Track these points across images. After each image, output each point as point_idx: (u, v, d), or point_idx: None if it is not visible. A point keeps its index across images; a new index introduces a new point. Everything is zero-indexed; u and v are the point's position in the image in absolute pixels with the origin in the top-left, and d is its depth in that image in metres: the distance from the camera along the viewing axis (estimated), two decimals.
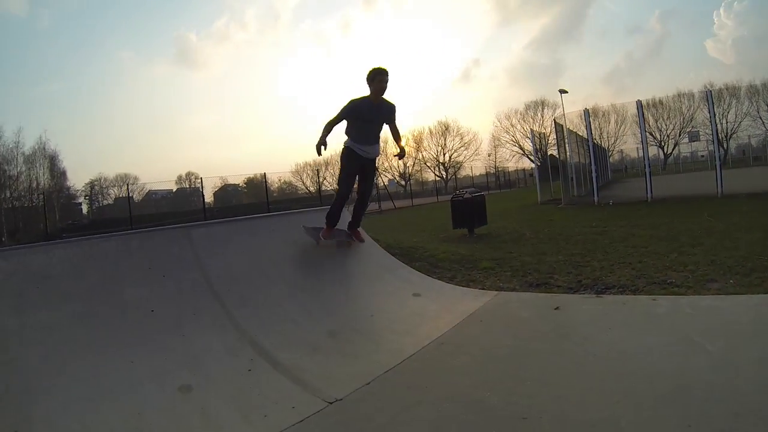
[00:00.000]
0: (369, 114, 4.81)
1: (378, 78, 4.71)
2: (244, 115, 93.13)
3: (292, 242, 4.74)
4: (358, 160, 4.97)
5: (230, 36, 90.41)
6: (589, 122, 18.84)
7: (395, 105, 5.00)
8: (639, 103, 17.40)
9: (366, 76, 4.76)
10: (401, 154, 5.31)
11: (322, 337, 3.65)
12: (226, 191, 50.06)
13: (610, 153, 44.52)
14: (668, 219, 9.89)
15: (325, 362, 3.30)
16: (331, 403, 2.77)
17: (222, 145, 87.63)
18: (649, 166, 17.81)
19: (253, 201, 41.26)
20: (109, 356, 2.82)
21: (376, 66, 4.75)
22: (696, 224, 8.69)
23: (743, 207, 10.75)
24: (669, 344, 3.23)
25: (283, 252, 4.53)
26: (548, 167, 25.98)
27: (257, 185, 39.73)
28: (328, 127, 4.75)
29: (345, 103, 4.80)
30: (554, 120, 24.84)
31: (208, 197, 42.02)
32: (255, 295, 3.84)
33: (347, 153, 4.96)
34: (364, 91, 4.82)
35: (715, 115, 18.15)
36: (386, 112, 4.96)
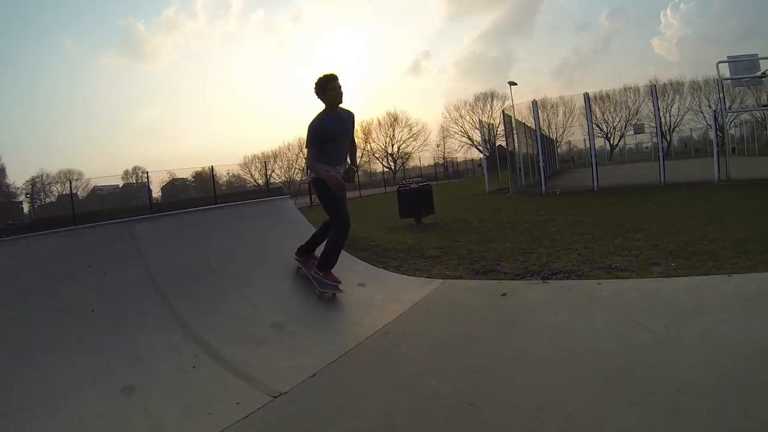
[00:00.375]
0: (335, 131, 4.24)
1: (331, 85, 4.16)
2: (193, 108, 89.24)
3: (236, 234, 4.66)
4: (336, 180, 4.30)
5: (180, 26, 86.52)
6: (537, 113, 19.48)
7: (353, 113, 4.45)
8: (586, 96, 18.35)
9: (315, 88, 4.20)
10: (350, 176, 4.50)
11: (267, 330, 3.62)
12: (174, 186, 48.60)
13: (558, 144, 46.31)
14: (613, 207, 10.38)
15: (270, 355, 3.29)
16: (275, 397, 2.76)
17: (170, 138, 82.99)
18: (596, 157, 18.78)
19: (201, 195, 40.41)
20: (48, 360, 2.74)
21: (324, 73, 4.20)
22: (640, 211, 9.15)
23: (684, 195, 11.48)
24: (614, 326, 3.37)
25: (227, 244, 4.46)
26: (496, 157, 26.61)
27: (206, 179, 38.94)
28: (318, 165, 4.19)
29: (307, 131, 4.21)
30: (503, 111, 25.46)
31: (156, 192, 41.24)
32: (199, 290, 3.79)
33: (325, 184, 4.23)
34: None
35: (659, 109, 19.27)
36: (349, 123, 4.40)
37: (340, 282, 4.36)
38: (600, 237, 6.69)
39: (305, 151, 4.42)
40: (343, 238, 4.41)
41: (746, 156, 31.87)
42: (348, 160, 4.56)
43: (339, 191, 4.18)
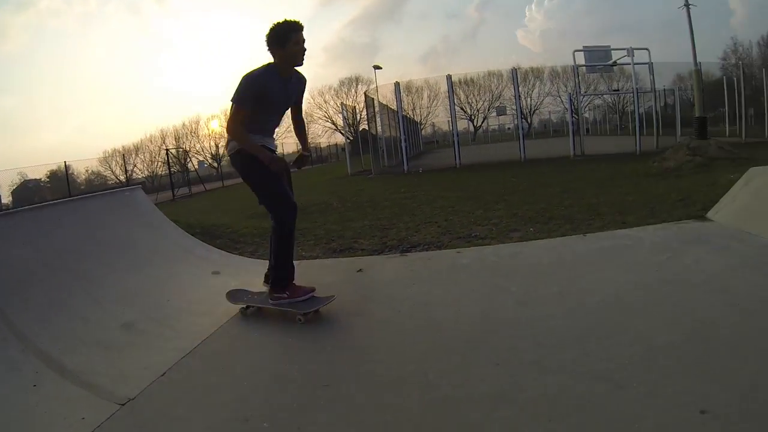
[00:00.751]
0: (280, 92, 3.42)
1: (294, 38, 3.27)
2: (48, 97, 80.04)
3: (79, 230, 4.26)
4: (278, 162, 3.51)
5: (34, 2, 76.70)
6: (400, 94, 20.05)
7: (306, 78, 3.67)
8: (449, 78, 19.61)
9: (270, 38, 3.29)
10: (305, 159, 3.92)
11: (116, 332, 3.35)
12: (27, 188, 42.92)
13: (422, 126, 48.41)
14: (475, 182, 10.98)
15: (118, 359, 3.03)
16: (123, 404, 2.54)
17: (23, 132, 73.94)
18: (458, 135, 19.99)
19: (59, 196, 36.22)
20: None
21: (285, 19, 3.31)
22: (501, 185, 9.76)
23: (543, 169, 12.55)
24: (473, 291, 3.43)
25: (69, 241, 4.07)
26: (359, 141, 26.97)
27: (62, 178, 35.09)
28: (247, 136, 3.38)
29: (240, 83, 3.30)
30: (365, 93, 25.80)
31: (6, 197, 35.98)
32: (40, 296, 3.41)
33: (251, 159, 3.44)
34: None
35: (519, 93, 20.97)
36: (300, 88, 3.63)
37: (313, 289, 3.53)
38: (461, 210, 6.93)
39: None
40: (289, 230, 3.60)
41: (599, 136, 36.93)
42: (297, 143, 3.92)
43: (279, 169, 3.45)
